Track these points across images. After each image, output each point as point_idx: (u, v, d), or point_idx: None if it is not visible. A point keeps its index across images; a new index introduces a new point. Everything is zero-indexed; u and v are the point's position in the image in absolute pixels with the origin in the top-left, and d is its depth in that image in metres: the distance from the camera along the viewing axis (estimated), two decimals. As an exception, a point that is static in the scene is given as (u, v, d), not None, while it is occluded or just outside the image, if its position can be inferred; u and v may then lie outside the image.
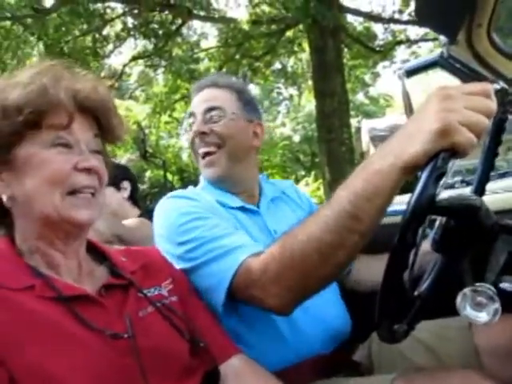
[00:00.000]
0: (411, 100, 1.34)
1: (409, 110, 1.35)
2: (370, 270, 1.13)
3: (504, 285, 0.82)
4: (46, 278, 0.63)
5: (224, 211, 1.01)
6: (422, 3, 0.88)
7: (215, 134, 1.03)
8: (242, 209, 1.06)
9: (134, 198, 1.92)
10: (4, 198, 0.66)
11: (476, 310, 0.59)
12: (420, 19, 0.91)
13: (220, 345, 0.77)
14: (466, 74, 1.07)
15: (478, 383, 0.70)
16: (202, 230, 0.89)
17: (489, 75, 1.02)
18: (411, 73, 1.24)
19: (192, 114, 1.08)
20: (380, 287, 0.61)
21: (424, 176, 0.57)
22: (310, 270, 0.71)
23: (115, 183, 1.85)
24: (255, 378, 0.75)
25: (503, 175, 1.20)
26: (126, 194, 1.88)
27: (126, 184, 1.89)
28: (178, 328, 0.71)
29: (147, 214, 1.83)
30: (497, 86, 0.68)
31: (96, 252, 0.76)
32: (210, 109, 1.04)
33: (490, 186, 0.93)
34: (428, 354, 0.96)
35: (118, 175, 1.87)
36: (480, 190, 0.90)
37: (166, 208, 0.98)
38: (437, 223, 0.78)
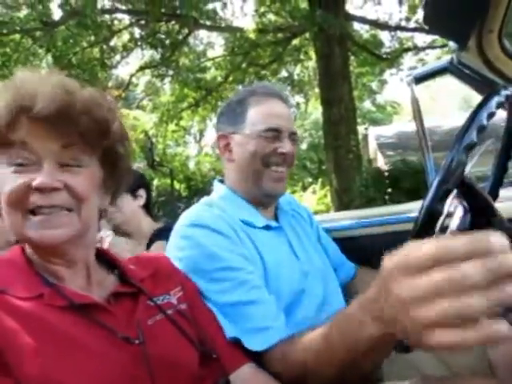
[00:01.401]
0: (420, 106, 1.34)
1: (418, 116, 1.35)
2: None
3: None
4: (55, 287, 0.62)
5: (246, 236, 0.98)
6: (431, 10, 0.87)
7: (292, 155, 1.08)
8: (267, 227, 1.05)
9: (148, 206, 1.84)
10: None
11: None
12: (429, 26, 0.90)
13: (229, 354, 0.76)
14: (476, 80, 1.06)
15: None
16: (232, 286, 0.87)
17: (499, 81, 1.01)
18: (420, 79, 1.24)
19: (277, 130, 1.04)
20: None
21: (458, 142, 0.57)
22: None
23: (131, 191, 1.77)
24: None
25: (517, 183, 1.18)
26: (142, 201, 1.80)
27: (141, 192, 1.81)
28: (187, 336, 0.70)
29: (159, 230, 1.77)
30: (508, 92, 0.66)
31: (105, 260, 0.76)
32: (294, 133, 1.08)
33: (503, 193, 0.92)
34: (439, 366, 0.93)
35: (134, 182, 1.77)
36: (494, 195, 0.89)
37: (190, 239, 0.93)
38: (448, 230, 0.77)
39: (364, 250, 1.28)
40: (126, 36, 9.40)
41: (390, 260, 0.44)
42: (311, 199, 12.59)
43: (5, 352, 0.54)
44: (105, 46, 9.07)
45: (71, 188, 0.62)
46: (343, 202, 7.09)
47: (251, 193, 1.07)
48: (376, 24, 9.72)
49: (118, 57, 9.72)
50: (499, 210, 0.72)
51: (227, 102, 1.13)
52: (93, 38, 8.58)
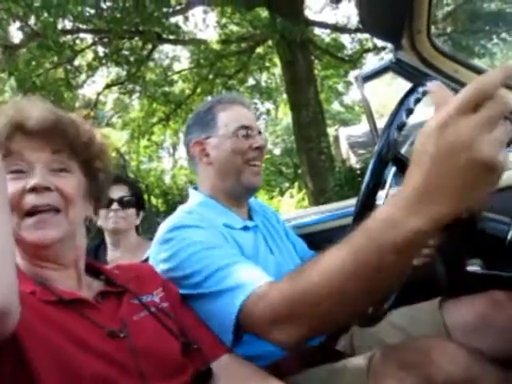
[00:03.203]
0: (370, 104, 1.43)
1: (369, 114, 1.44)
2: None
3: (471, 267, 0.89)
4: (45, 286, 0.68)
5: (229, 236, 1.02)
6: (364, 13, 0.95)
7: (264, 149, 1.16)
8: (245, 228, 1.11)
9: (138, 228, 1.93)
10: None
11: None
12: (365, 28, 0.99)
13: (210, 345, 0.82)
14: (415, 76, 1.16)
15: (445, 346, 0.76)
16: (209, 262, 0.90)
17: (435, 75, 1.11)
18: (367, 78, 1.34)
19: (248, 128, 1.13)
20: None
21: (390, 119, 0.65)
22: (327, 315, 0.66)
23: (138, 208, 1.85)
24: (244, 372, 0.79)
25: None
26: (138, 221, 1.89)
27: (141, 213, 1.90)
28: (169, 329, 0.76)
29: None
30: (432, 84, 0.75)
31: (91, 269, 0.81)
32: (260, 131, 1.17)
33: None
34: (402, 336, 1.02)
35: (141, 202, 1.88)
36: None
37: (172, 240, 0.97)
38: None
39: (330, 243, 1.35)
40: (89, 55, 9.34)
41: (428, 127, 0.48)
42: (289, 204, 12.68)
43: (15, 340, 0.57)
44: (69, 66, 8.97)
45: (60, 189, 0.70)
46: (320, 203, 7.21)
47: (231, 191, 1.13)
48: (336, 28, 9.99)
49: (83, 76, 9.64)
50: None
51: (195, 113, 1.20)
52: (56, 58, 8.47)
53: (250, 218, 1.19)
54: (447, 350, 0.76)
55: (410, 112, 0.67)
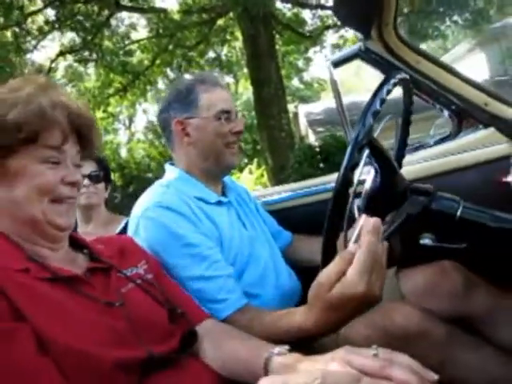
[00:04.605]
0: (339, 87, 1.52)
1: (337, 96, 1.53)
2: (308, 250, 1.30)
3: (424, 241, 1.00)
4: (39, 263, 0.71)
5: (201, 212, 1.08)
6: (338, 4, 1.02)
7: (242, 132, 1.21)
8: (219, 203, 1.17)
9: (107, 202, 1.94)
10: None
11: None
12: (338, 18, 1.06)
13: (193, 311, 0.89)
14: (382, 64, 1.25)
15: (402, 307, 0.92)
16: (194, 261, 0.99)
17: (399, 64, 1.20)
18: (337, 64, 1.42)
19: (228, 112, 1.17)
20: (323, 240, 0.75)
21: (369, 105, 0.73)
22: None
23: (107, 182, 1.85)
24: (226, 333, 0.87)
25: (416, 149, 1.40)
26: (106, 195, 1.90)
27: (109, 187, 1.90)
28: (156, 298, 0.82)
29: None
30: (400, 76, 0.83)
31: (75, 243, 0.85)
32: (237, 112, 1.21)
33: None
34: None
35: (109, 176, 1.88)
36: (398, 165, 1.07)
37: (153, 220, 1.03)
38: (362, 194, 0.94)
39: (298, 220, 1.44)
40: (41, 18, 8.73)
41: None
42: (248, 180, 12.73)
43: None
44: (18, 30, 8.36)
45: (79, 184, 0.79)
46: (279, 179, 7.34)
47: (209, 170, 1.18)
48: (297, 3, 9.94)
49: (33, 41, 9.02)
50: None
51: (176, 90, 1.21)
52: (2, 20, 7.87)
53: (224, 194, 1.25)
54: (404, 311, 0.92)
55: (382, 101, 0.75)
